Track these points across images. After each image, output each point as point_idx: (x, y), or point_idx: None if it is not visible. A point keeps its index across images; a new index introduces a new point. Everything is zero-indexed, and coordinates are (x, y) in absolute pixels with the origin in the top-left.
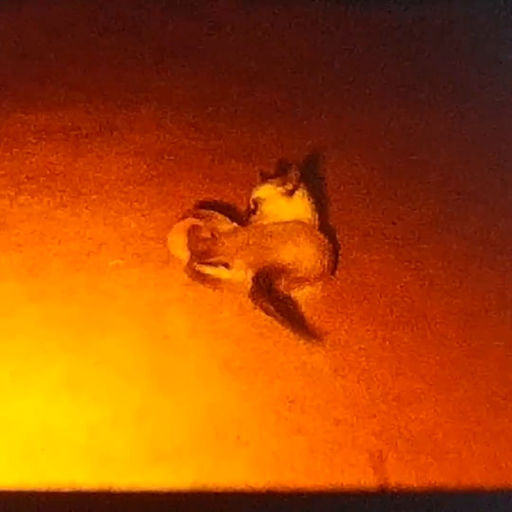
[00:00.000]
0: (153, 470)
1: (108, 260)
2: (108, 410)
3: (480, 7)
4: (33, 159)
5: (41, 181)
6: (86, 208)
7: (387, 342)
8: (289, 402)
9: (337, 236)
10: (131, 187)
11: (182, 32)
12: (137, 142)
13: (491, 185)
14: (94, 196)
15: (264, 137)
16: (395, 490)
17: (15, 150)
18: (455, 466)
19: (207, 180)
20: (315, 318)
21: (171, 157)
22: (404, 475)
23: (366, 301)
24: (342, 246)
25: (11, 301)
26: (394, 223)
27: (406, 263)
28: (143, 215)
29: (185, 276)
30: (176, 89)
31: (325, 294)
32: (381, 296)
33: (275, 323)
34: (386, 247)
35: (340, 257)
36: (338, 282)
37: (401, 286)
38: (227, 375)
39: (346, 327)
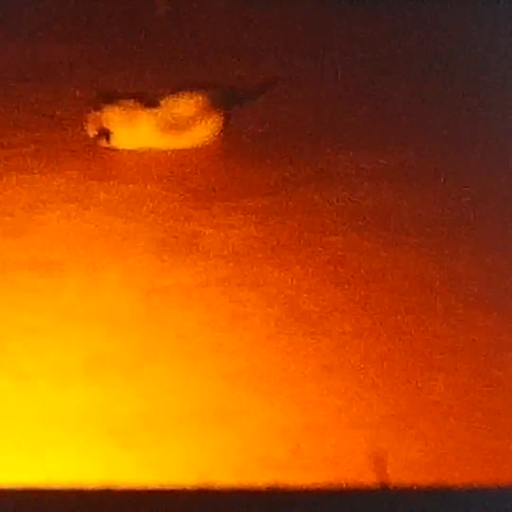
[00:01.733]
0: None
1: None
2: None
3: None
4: (362, 198)
5: (368, 219)
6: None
7: (365, 319)
8: (246, 322)
9: None
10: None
11: None
12: None
13: None
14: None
15: None
16: (396, 488)
17: (342, 188)
18: (456, 465)
19: None
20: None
21: None
22: (404, 473)
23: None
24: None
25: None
26: None
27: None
28: None
29: None
30: None
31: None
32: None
33: None
34: None
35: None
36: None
37: None
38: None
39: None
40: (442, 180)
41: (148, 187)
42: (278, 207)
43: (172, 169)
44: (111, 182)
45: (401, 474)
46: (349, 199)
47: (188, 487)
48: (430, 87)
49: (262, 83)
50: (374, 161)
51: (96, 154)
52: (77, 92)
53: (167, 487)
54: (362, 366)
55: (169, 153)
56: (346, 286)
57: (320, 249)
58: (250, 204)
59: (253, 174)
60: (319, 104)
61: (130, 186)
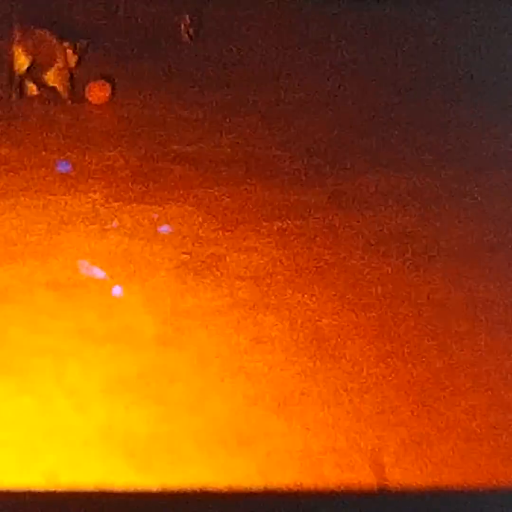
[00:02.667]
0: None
1: None
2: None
3: None
4: (383, 222)
5: (388, 243)
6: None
7: (385, 342)
8: (267, 345)
9: None
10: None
11: None
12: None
13: None
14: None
15: None
16: (394, 490)
17: (362, 212)
18: (454, 466)
19: None
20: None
21: None
22: (402, 475)
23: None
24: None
25: None
26: None
27: None
28: None
29: None
30: None
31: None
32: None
33: None
34: None
35: None
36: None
37: None
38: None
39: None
40: (464, 204)
41: (171, 209)
42: (300, 230)
43: (194, 192)
44: (133, 205)
45: (399, 474)
46: (370, 222)
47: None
48: (451, 111)
49: None
50: (395, 184)
51: (119, 177)
52: (97, 113)
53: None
54: (382, 389)
55: (192, 176)
56: (367, 310)
57: (340, 272)
58: (272, 227)
59: (275, 197)
60: (340, 127)
61: (153, 208)
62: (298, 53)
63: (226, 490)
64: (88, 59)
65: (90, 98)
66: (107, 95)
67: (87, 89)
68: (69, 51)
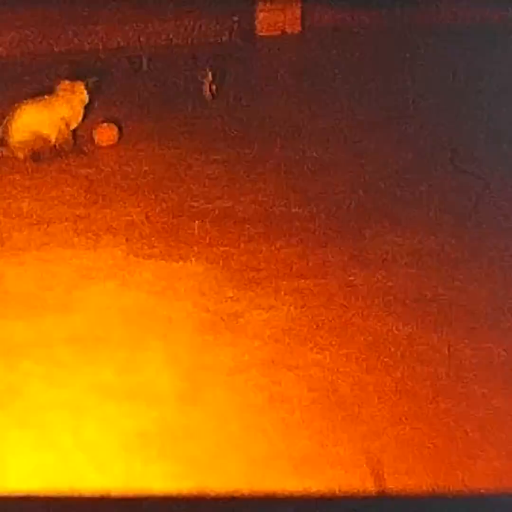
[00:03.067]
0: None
1: None
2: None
3: None
4: (401, 282)
5: (407, 303)
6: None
7: (403, 403)
8: (285, 404)
9: None
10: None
11: None
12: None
13: None
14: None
15: None
16: (393, 493)
17: (382, 272)
18: (454, 469)
19: None
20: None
21: None
22: (401, 478)
23: None
24: None
25: None
26: None
27: None
28: None
29: None
30: None
31: None
32: None
33: None
34: None
35: None
36: None
37: None
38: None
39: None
40: (484, 265)
41: (191, 266)
42: (319, 289)
43: (214, 248)
44: (153, 260)
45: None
46: (390, 283)
47: None
48: (474, 173)
49: None
50: (415, 245)
51: (140, 232)
52: (122, 169)
53: None
54: (400, 452)
55: (212, 232)
56: (385, 370)
57: (359, 332)
58: (291, 285)
59: (295, 256)
60: (361, 186)
61: (173, 264)
62: (320, 112)
63: None
64: (110, 115)
65: (97, 140)
66: (115, 136)
67: (94, 132)
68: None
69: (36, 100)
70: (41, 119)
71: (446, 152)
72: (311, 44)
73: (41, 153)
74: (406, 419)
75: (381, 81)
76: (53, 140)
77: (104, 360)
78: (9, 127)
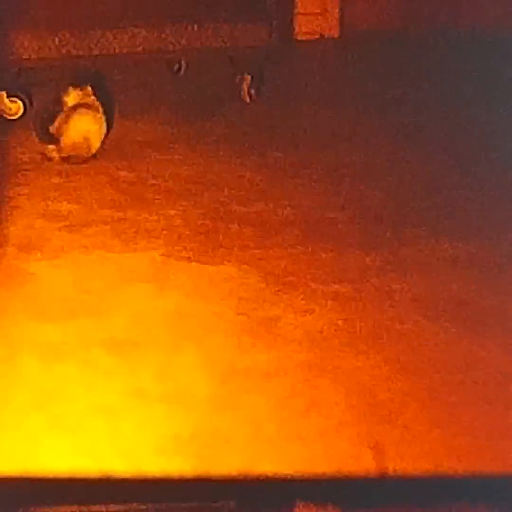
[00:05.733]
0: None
1: None
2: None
3: None
4: (441, 288)
5: (449, 309)
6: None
7: (438, 409)
8: (322, 409)
9: None
10: None
11: None
12: None
13: None
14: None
15: None
16: (395, 476)
17: (418, 277)
18: (456, 452)
19: None
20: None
21: None
22: (403, 461)
23: None
24: None
25: None
26: None
27: None
28: None
29: None
30: None
31: None
32: None
33: None
34: None
35: None
36: None
37: None
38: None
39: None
40: None
41: (228, 269)
42: (357, 294)
43: (251, 252)
44: (191, 263)
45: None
46: (427, 288)
47: None
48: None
49: None
50: (453, 250)
51: (178, 235)
52: (160, 171)
53: None
54: (440, 458)
55: (250, 236)
56: (421, 375)
57: (396, 337)
58: (328, 290)
59: (332, 260)
60: (399, 191)
61: (210, 267)
62: (358, 117)
63: None
64: (147, 118)
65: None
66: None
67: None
68: None
69: (86, 109)
70: (91, 128)
71: (485, 158)
72: (349, 49)
73: (81, 157)
74: (445, 426)
75: (420, 87)
76: (95, 150)
77: (141, 363)
78: (65, 127)
